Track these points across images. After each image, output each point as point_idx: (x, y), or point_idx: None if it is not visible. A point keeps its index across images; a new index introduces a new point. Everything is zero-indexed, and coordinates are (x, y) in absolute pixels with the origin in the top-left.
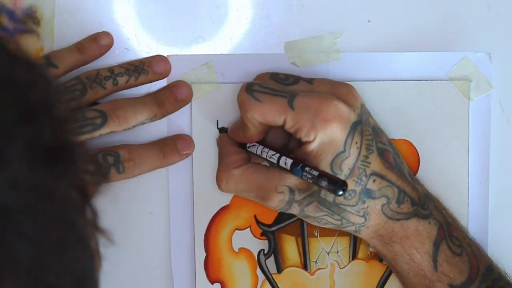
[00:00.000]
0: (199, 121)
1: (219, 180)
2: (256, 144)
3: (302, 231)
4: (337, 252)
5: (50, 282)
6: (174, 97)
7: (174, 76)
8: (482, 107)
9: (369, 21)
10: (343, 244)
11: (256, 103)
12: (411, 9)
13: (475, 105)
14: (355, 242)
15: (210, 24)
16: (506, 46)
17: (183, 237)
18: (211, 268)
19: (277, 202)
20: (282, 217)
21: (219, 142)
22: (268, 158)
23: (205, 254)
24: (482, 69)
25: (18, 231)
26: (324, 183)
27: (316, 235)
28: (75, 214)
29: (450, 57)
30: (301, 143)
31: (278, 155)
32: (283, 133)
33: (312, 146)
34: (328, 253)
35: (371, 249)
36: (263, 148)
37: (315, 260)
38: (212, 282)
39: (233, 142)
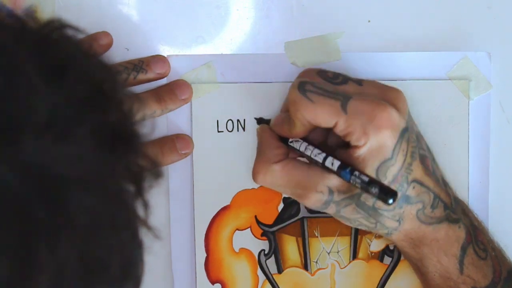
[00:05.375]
0: (199, 121)
1: (257, 172)
2: (299, 140)
3: (303, 231)
4: (338, 252)
5: (99, 256)
6: (175, 94)
7: (174, 76)
8: (482, 106)
9: (369, 21)
10: (343, 244)
11: (308, 103)
12: (411, 9)
13: (474, 105)
14: (355, 242)
15: (210, 24)
16: (506, 46)
17: (183, 238)
18: (211, 269)
19: (314, 201)
20: (282, 217)
21: (260, 133)
22: (313, 157)
23: (205, 255)
24: (482, 69)
25: (78, 201)
26: (374, 190)
27: (317, 235)
28: (130, 199)
29: (450, 57)
30: (340, 142)
31: (324, 154)
32: (322, 130)
33: (361, 151)
34: (328, 253)
35: (371, 249)
36: (307, 145)
37: (315, 260)
38: (212, 283)
39: (275, 135)
